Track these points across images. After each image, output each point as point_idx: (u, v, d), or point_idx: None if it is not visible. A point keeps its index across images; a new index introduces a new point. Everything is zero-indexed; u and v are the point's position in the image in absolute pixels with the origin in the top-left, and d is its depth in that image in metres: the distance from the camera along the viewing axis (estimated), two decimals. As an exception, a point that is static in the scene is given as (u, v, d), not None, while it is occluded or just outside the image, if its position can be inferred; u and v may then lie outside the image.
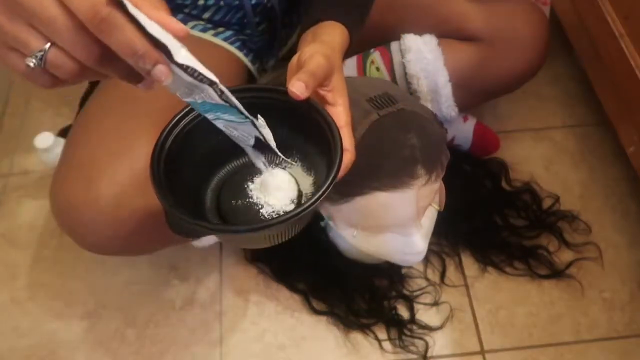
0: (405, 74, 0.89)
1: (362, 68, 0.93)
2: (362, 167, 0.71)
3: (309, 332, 0.87)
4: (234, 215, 0.58)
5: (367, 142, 0.71)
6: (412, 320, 0.86)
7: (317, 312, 0.88)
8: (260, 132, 0.53)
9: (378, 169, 0.71)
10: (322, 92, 0.59)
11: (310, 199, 0.51)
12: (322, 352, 0.85)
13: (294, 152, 0.59)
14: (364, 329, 0.86)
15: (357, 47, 0.93)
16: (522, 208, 0.97)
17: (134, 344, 0.86)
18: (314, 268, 0.88)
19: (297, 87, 0.54)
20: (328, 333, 0.87)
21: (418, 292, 0.89)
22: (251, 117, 0.50)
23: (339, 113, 0.59)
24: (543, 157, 1.06)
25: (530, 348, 0.85)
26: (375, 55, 0.92)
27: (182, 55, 0.41)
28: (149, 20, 0.39)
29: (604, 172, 1.04)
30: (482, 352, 0.85)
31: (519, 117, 1.12)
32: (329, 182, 0.51)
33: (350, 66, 0.94)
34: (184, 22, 0.86)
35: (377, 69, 0.91)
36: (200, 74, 0.43)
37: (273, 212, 0.56)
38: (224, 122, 0.52)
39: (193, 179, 0.59)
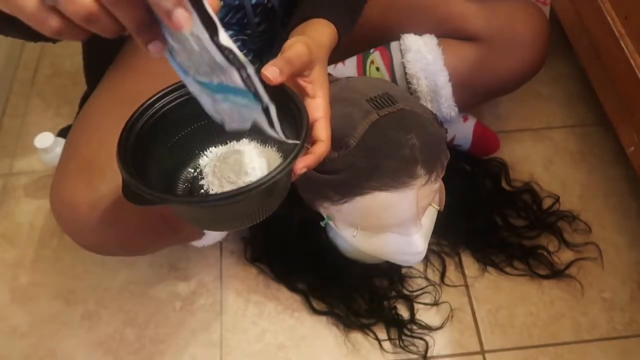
0: (405, 74, 0.89)
1: (362, 68, 0.93)
2: (362, 167, 0.71)
3: (309, 332, 0.87)
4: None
5: (367, 142, 0.71)
6: (412, 320, 0.86)
7: (317, 312, 0.88)
8: (270, 117, 0.52)
9: (378, 169, 0.71)
10: (302, 83, 0.60)
11: (266, 175, 0.52)
12: (322, 352, 0.85)
13: (268, 136, 0.59)
14: (364, 329, 0.86)
15: (357, 47, 0.93)
16: (522, 208, 0.97)
17: (133, 344, 0.86)
18: (314, 268, 0.88)
19: (271, 72, 0.54)
20: (328, 333, 0.87)
21: (418, 292, 0.89)
22: (267, 101, 0.50)
23: (318, 105, 0.60)
24: (543, 157, 1.06)
25: (530, 348, 0.85)
26: (375, 55, 0.92)
27: (223, 36, 0.41)
28: None
29: (603, 172, 1.04)
30: (482, 352, 0.85)
31: (519, 117, 1.12)
32: (288, 160, 0.52)
33: (350, 66, 0.94)
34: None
35: (377, 68, 0.91)
36: (235, 56, 0.43)
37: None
38: (230, 104, 0.52)
39: (168, 160, 0.61)
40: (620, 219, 0.98)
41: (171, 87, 0.59)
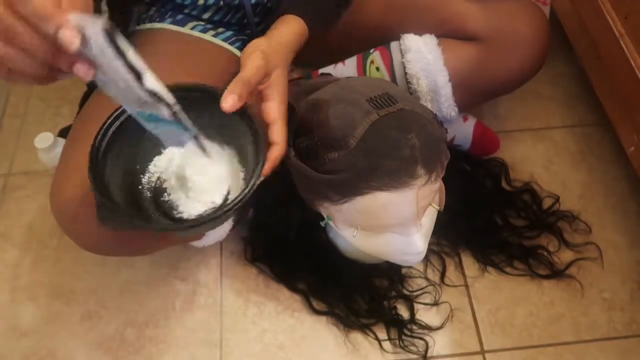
0: (406, 73, 0.89)
1: (362, 68, 0.93)
2: (362, 167, 0.71)
3: (309, 332, 0.87)
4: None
5: (367, 142, 0.71)
6: (412, 320, 0.86)
7: (317, 312, 0.88)
8: (200, 144, 0.59)
9: (378, 168, 0.71)
10: (259, 87, 0.63)
11: (224, 208, 0.58)
12: (322, 352, 0.85)
13: (229, 143, 0.65)
14: (364, 329, 0.86)
15: (357, 47, 0.93)
16: (522, 208, 0.97)
17: (134, 344, 0.86)
18: (314, 268, 0.88)
19: (229, 102, 0.58)
20: (328, 333, 0.87)
21: (418, 292, 0.89)
22: (195, 132, 0.56)
23: (272, 107, 0.63)
24: (543, 157, 1.06)
25: (530, 348, 0.85)
26: (375, 55, 0.91)
27: (149, 81, 0.45)
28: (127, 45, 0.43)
29: (604, 172, 1.04)
30: (482, 352, 0.85)
31: (519, 117, 1.12)
32: (250, 185, 0.58)
33: (350, 66, 0.94)
34: (184, 22, 0.86)
35: (377, 68, 0.91)
36: (161, 97, 0.47)
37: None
38: (163, 130, 0.56)
39: (129, 171, 0.65)
40: (621, 219, 0.98)
41: None
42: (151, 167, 0.66)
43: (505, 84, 0.92)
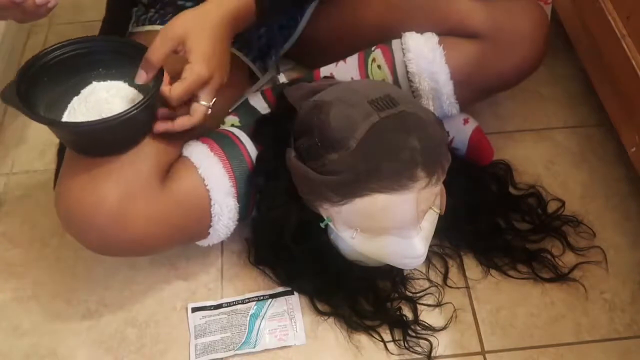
0: (407, 71, 0.89)
1: (363, 66, 0.93)
2: (362, 168, 0.71)
3: (311, 332, 0.86)
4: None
5: (367, 144, 0.71)
6: (416, 321, 0.86)
7: (321, 313, 0.87)
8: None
9: (378, 170, 0.70)
10: (179, 52, 0.73)
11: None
12: (324, 353, 0.85)
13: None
14: (369, 330, 0.85)
15: (358, 45, 0.93)
16: (527, 212, 0.96)
17: (134, 343, 0.86)
18: (316, 271, 0.88)
19: (141, 79, 0.73)
20: (331, 334, 0.86)
21: (421, 294, 0.89)
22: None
23: (186, 69, 0.72)
24: (544, 157, 1.06)
25: (531, 349, 0.85)
26: (377, 53, 0.92)
27: None
28: None
29: (605, 173, 1.04)
30: (483, 352, 0.85)
31: (519, 118, 1.12)
32: (143, 99, 0.71)
33: (352, 64, 0.94)
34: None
35: (379, 66, 0.91)
36: None
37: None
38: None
39: (55, 95, 0.77)
40: (621, 220, 0.98)
41: (80, 38, 0.77)
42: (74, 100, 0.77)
43: (505, 80, 0.93)
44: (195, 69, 0.71)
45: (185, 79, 0.72)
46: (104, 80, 0.78)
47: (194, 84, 0.72)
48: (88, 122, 0.71)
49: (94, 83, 0.78)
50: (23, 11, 0.69)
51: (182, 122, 0.75)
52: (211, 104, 0.75)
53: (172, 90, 0.72)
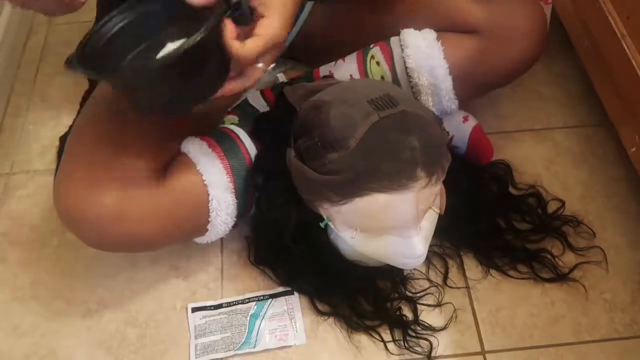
0: (406, 68, 0.89)
1: (362, 63, 0.93)
2: (362, 168, 0.71)
3: (311, 332, 0.86)
4: None
5: (367, 143, 0.71)
6: (416, 321, 0.86)
7: (321, 313, 0.87)
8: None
9: (377, 170, 0.71)
10: (253, 3, 0.64)
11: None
12: (324, 353, 0.85)
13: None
14: (369, 330, 0.85)
15: (357, 43, 0.94)
16: (526, 211, 0.96)
17: (134, 343, 0.86)
18: (315, 271, 0.88)
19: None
20: (331, 334, 0.86)
21: (421, 294, 0.89)
22: None
23: (260, 24, 0.64)
24: (544, 157, 1.06)
25: (531, 349, 0.85)
26: (376, 50, 0.92)
27: None
28: None
29: (605, 173, 1.04)
30: (483, 352, 0.85)
31: (519, 117, 1.12)
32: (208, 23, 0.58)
33: (351, 62, 0.94)
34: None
35: (378, 63, 0.91)
36: None
37: None
38: None
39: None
40: (621, 220, 0.98)
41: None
42: None
43: (503, 75, 0.93)
44: (274, 25, 0.63)
45: (261, 35, 0.62)
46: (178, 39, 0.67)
47: (271, 43, 0.63)
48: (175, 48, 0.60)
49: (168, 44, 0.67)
50: (58, 2, 0.63)
51: (234, 86, 0.66)
52: (270, 68, 0.67)
53: (247, 46, 0.61)
